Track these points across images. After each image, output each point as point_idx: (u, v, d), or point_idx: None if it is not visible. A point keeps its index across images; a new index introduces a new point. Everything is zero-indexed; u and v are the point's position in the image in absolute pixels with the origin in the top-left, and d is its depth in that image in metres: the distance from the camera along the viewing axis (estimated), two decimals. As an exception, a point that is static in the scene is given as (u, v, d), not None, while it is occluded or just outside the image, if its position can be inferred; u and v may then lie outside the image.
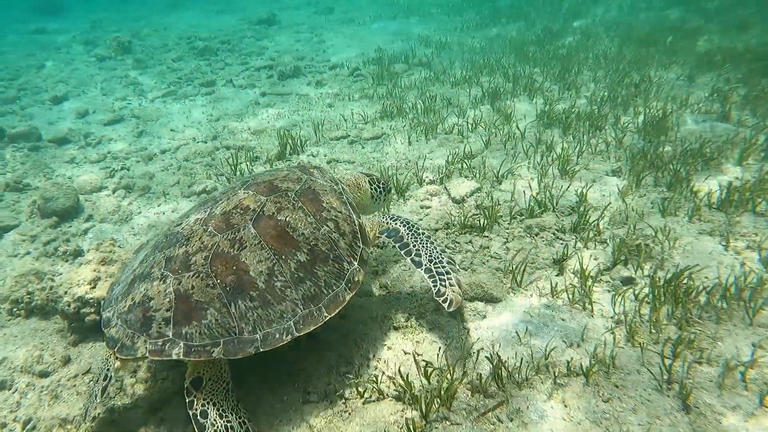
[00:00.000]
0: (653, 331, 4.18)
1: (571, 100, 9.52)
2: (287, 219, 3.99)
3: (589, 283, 4.70)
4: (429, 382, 3.90)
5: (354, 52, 15.75)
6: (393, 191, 6.46)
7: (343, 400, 3.94)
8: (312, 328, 3.72)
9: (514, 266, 5.00)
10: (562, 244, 5.44)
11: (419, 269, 4.22)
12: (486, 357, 4.02)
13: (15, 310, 5.71)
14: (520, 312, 4.58)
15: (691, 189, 6.06)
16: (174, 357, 3.45)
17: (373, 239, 4.60)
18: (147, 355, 3.46)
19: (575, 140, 7.70)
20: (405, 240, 4.41)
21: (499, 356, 3.95)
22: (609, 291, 4.70)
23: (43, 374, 4.85)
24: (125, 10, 28.28)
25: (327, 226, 4.11)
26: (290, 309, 3.69)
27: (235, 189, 4.33)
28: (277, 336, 3.61)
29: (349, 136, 9.06)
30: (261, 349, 3.55)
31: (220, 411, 3.56)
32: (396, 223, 4.57)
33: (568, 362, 3.92)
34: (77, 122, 11.58)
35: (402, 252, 4.36)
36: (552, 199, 6.14)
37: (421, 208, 6.45)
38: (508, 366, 3.92)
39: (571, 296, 4.62)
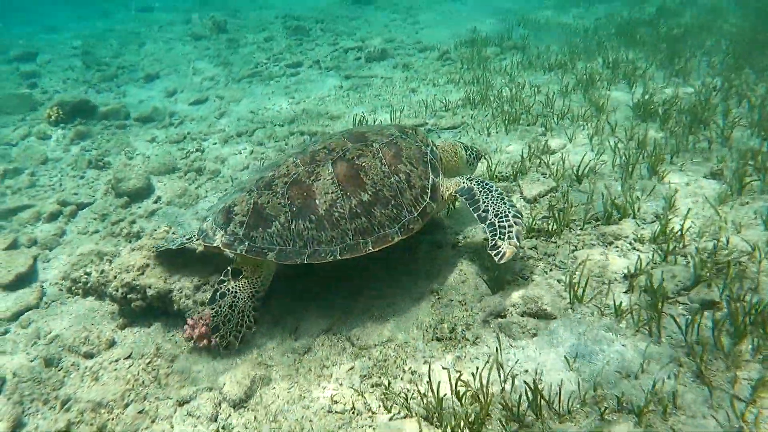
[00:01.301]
0: (730, 366, 3.58)
1: (676, 89, 8.56)
2: (362, 164, 4.62)
3: (661, 303, 4.10)
4: (462, 404, 3.55)
5: (448, 33, 15.16)
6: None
7: (369, 413, 3.68)
8: (354, 256, 4.38)
9: (577, 279, 4.49)
10: (637, 255, 4.84)
11: (483, 224, 4.57)
12: (525, 382, 3.58)
13: (73, 288, 5.81)
14: (575, 333, 4.09)
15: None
16: (238, 251, 4.40)
17: (449, 198, 5.05)
18: (220, 245, 4.45)
19: (673, 136, 6.89)
20: (476, 197, 4.77)
21: (536, 384, 3.50)
22: (684, 315, 4.10)
23: (88, 355, 4.89)
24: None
25: (398, 176, 4.66)
26: (340, 236, 4.38)
27: (333, 134, 5.13)
28: (322, 255, 4.35)
29: (426, 124, 8.67)
30: (306, 262, 4.33)
31: (233, 302, 4.45)
32: (471, 182, 4.94)
33: (618, 397, 3.42)
34: (165, 101, 11.85)
35: (471, 208, 4.73)
36: (634, 202, 5.51)
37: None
38: (547, 395, 3.48)
39: (636, 318, 4.06)
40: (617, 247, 5.01)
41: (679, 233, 4.89)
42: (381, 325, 4.54)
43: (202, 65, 14.40)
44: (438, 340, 4.30)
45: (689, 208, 5.35)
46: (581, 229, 5.36)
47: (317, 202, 4.42)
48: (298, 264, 4.35)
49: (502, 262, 4.22)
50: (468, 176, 5.15)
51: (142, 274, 5.11)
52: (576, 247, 5.11)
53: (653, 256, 4.77)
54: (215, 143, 9.19)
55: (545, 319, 4.27)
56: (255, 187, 4.62)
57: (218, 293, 4.50)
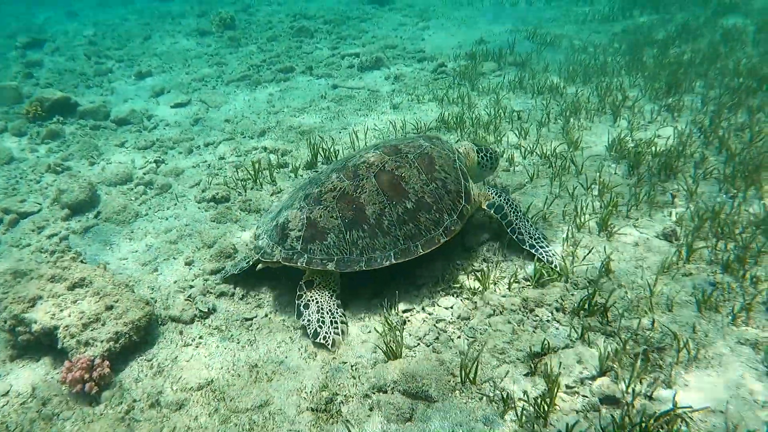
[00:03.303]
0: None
1: (659, 128, 7.97)
2: (402, 174, 5.04)
3: (552, 396, 3.69)
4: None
5: (453, 42, 14.58)
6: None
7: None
8: (407, 259, 4.81)
9: (472, 356, 4.10)
10: (556, 330, 4.42)
11: (523, 246, 5.18)
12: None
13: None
14: (451, 422, 3.71)
15: (753, 276, 4.72)
16: (298, 265, 4.76)
17: (478, 207, 5.48)
18: (280, 260, 4.81)
19: (639, 184, 6.37)
20: (509, 218, 5.30)
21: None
22: (578, 412, 3.68)
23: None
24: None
25: (435, 183, 5.10)
26: (392, 242, 4.79)
27: (367, 150, 5.43)
28: (378, 260, 4.75)
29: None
30: (363, 269, 4.72)
31: (319, 306, 4.71)
32: (501, 200, 5.39)
33: None
34: (148, 102, 11.66)
35: (507, 229, 5.28)
36: (572, 263, 5.08)
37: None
38: None
39: (519, 415, 3.65)
40: (536, 316, 4.58)
41: (602, 307, 4.44)
42: (265, 382, 4.25)
43: (198, 63, 14.18)
44: (311, 411, 3.96)
45: (616, 286, 4.87)
46: (508, 288, 4.94)
47: (367, 212, 4.82)
48: (356, 271, 4.73)
49: (554, 263, 5.00)
50: (495, 190, 5.53)
51: (33, 306, 4.86)
52: (494, 311, 4.69)
53: (570, 332, 4.33)
54: (180, 152, 8.93)
55: (425, 401, 3.88)
56: (305, 204, 4.97)
57: (302, 305, 4.77)
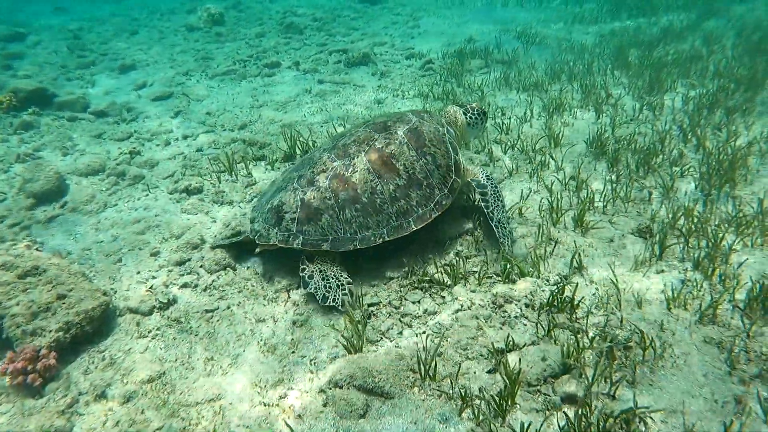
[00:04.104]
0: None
1: (641, 124, 7.84)
2: (392, 151, 5.07)
3: (513, 395, 3.52)
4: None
5: (443, 40, 14.44)
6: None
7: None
8: (399, 236, 4.87)
9: (431, 352, 3.93)
10: (524, 326, 4.25)
11: (491, 222, 5.13)
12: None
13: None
14: (407, 420, 3.54)
15: (722, 273, 4.57)
16: (294, 246, 4.85)
17: (465, 181, 5.49)
18: (276, 242, 4.91)
19: (619, 180, 6.23)
20: (488, 200, 5.27)
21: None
22: (538, 411, 3.51)
23: None
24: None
25: (425, 159, 5.14)
26: (385, 220, 4.86)
27: (357, 128, 5.48)
28: (372, 239, 4.83)
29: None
30: (358, 247, 4.81)
31: (324, 275, 4.77)
32: (486, 181, 5.42)
33: None
34: (129, 94, 11.44)
35: (482, 205, 5.25)
36: (542, 259, 4.92)
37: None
38: None
39: (477, 412, 3.48)
40: (505, 312, 4.41)
41: (571, 303, 4.28)
42: (220, 376, 4.09)
43: (183, 58, 13.97)
44: (264, 405, 3.80)
45: (587, 283, 4.72)
46: (479, 284, 4.77)
47: (359, 191, 4.86)
48: (351, 250, 4.80)
49: (507, 251, 4.98)
50: (484, 172, 5.53)
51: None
52: (462, 306, 4.53)
53: (537, 329, 4.17)
54: (158, 144, 8.74)
55: (381, 397, 3.71)
56: (298, 185, 5.03)
57: (306, 276, 4.81)
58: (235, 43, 15.14)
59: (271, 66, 12.66)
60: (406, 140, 5.16)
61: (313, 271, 4.82)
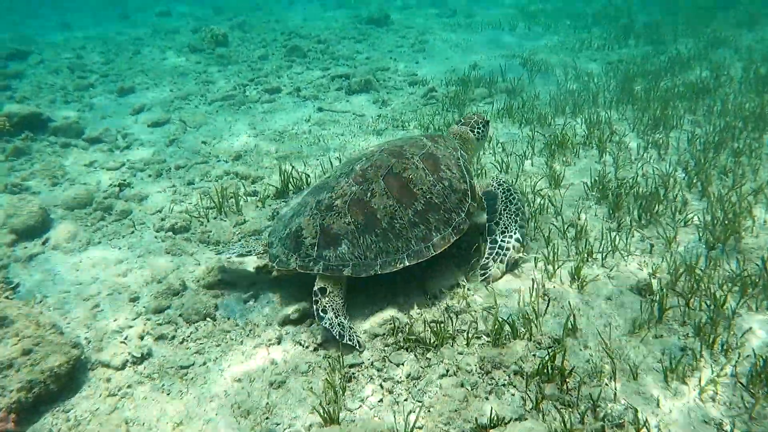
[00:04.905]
0: None
1: (644, 164, 7.59)
2: (410, 176, 5.11)
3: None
4: None
5: (447, 66, 14.24)
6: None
7: None
8: (420, 261, 4.88)
9: (410, 426, 3.68)
10: (512, 396, 4.00)
11: (489, 237, 5.31)
12: None
13: None
14: None
15: (725, 343, 4.29)
16: (315, 272, 4.79)
17: (480, 205, 5.54)
18: (296, 267, 4.84)
19: (621, 228, 5.98)
20: (496, 207, 5.38)
21: None
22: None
23: None
24: (253, -2, 27.93)
25: (442, 184, 5.20)
26: (405, 245, 4.85)
27: (373, 152, 5.46)
28: (392, 264, 4.79)
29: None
30: (379, 273, 4.75)
31: (336, 312, 4.71)
32: (499, 188, 5.49)
33: None
34: (127, 118, 11.28)
35: (487, 214, 5.38)
36: (535, 318, 4.66)
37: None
38: None
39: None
40: (492, 378, 4.16)
41: (561, 373, 4.02)
42: None
43: (183, 81, 13.82)
44: None
45: (581, 348, 4.45)
46: (466, 345, 4.52)
47: (378, 216, 4.86)
48: (372, 276, 4.74)
49: (485, 284, 5.12)
50: (497, 182, 5.58)
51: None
52: (447, 371, 4.28)
53: (525, 402, 3.91)
54: (149, 175, 8.56)
55: (353, 482, 3.46)
56: (317, 210, 5.00)
57: (320, 310, 4.70)
58: (236, 65, 14.98)
59: (272, 92, 12.49)
60: (422, 165, 5.23)
61: (326, 306, 4.72)
